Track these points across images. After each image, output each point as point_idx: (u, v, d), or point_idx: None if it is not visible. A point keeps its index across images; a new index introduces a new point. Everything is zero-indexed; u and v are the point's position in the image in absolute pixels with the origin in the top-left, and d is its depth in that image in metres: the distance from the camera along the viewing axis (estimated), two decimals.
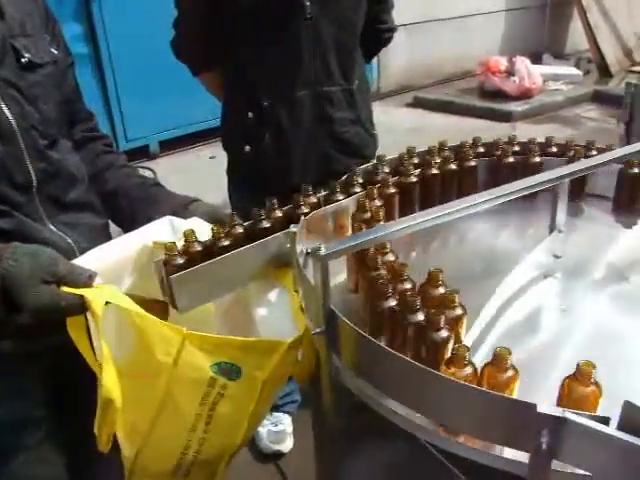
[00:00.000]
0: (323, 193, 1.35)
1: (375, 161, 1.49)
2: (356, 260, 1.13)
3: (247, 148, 1.93)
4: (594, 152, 1.45)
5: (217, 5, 1.81)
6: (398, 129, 5.93)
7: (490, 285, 1.12)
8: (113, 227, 1.42)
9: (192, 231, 1.15)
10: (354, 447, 1.14)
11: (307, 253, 1.19)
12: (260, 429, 2.47)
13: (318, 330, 0.91)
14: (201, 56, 2.00)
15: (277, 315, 1.27)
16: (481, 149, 1.53)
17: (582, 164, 1.21)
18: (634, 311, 1.11)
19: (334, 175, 1.43)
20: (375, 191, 1.31)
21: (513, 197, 1.08)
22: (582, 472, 0.73)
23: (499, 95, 6.79)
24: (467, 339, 0.94)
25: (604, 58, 7.64)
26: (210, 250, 1.14)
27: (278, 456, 2.45)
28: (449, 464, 0.86)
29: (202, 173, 4.92)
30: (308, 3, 1.77)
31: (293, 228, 1.12)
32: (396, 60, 7.20)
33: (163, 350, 1.08)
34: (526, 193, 1.10)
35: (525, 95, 6.75)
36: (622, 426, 0.68)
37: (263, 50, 1.84)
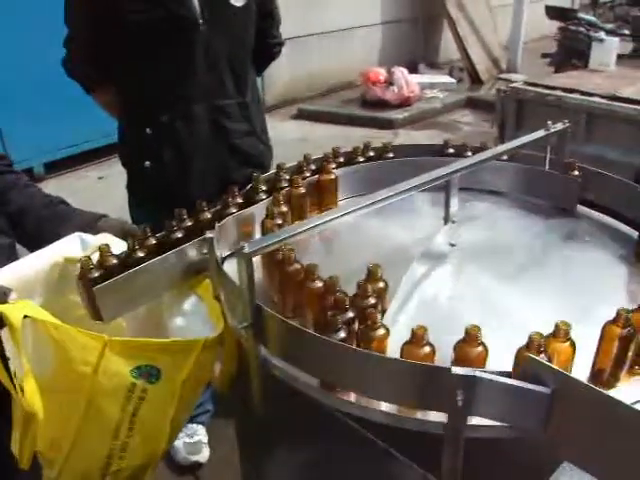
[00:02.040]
0: (231, 201, 1.40)
1: (276, 169, 1.56)
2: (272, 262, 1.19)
3: (147, 164, 1.95)
4: (469, 152, 1.62)
5: (107, 23, 1.82)
6: (285, 140, 6.03)
7: (396, 274, 1.21)
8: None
9: (107, 245, 1.18)
10: (281, 436, 1.21)
11: (223, 258, 1.25)
12: (176, 442, 2.46)
13: (245, 324, 0.96)
14: (94, 74, 2.00)
15: (193, 324, 1.30)
16: (371, 153, 1.65)
17: (466, 162, 1.34)
18: (517, 288, 1.25)
19: (234, 186, 1.48)
20: (281, 197, 1.39)
21: (409, 194, 1.20)
22: (494, 423, 0.84)
23: (380, 104, 7.06)
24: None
25: (474, 67, 8.14)
26: (126, 262, 1.17)
27: (196, 467, 2.45)
28: (370, 435, 0.94)
29: (91, 194, 4.79)
30: (201, 20, 1.82)
31: (209, 234, 1.17)
32: (279, 74, 7.32)
33: (82, 360, 1.10)
34: (421, 189, 1.22)
35: (405, 103, 7.06)
36: (524, 377, 0.79)
37: (158, 66, 1.87)
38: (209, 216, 1.33)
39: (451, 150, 1.66)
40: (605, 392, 0.74)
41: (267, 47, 2.19)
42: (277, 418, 1.12)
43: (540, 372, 0.77)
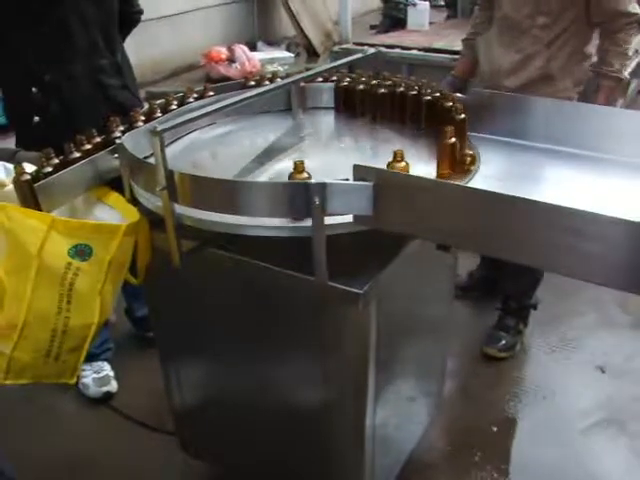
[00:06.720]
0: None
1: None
2: None
3: (36, 119, 2.21)
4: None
5: None
6: None
7: (267, 160, 1.63)
8: None
9: (21, 165, 1.46)
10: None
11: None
12: (85, 380, 2.73)
13: (161, 187, 1.32)
14: None
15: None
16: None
17: (299, 75, 1.85)
18: (346, 153, 1.71)
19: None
20: None
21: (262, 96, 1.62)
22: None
23: (225, 81, 7.36)
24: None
25: (310, 41, 8.69)
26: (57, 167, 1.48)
27: (108, 398, 2.74)
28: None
29: None
30: None
31: (119, 141, 1.51)
32: None
33: (29, 242, 1.36)
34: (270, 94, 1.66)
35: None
36: (355, 178, 1.22)
37: (36, 32, 2.12)
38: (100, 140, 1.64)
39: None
40: (405, 173, 1.19)
41: (128, 15, 2.53)
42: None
43: (364, 173, 1.20)
